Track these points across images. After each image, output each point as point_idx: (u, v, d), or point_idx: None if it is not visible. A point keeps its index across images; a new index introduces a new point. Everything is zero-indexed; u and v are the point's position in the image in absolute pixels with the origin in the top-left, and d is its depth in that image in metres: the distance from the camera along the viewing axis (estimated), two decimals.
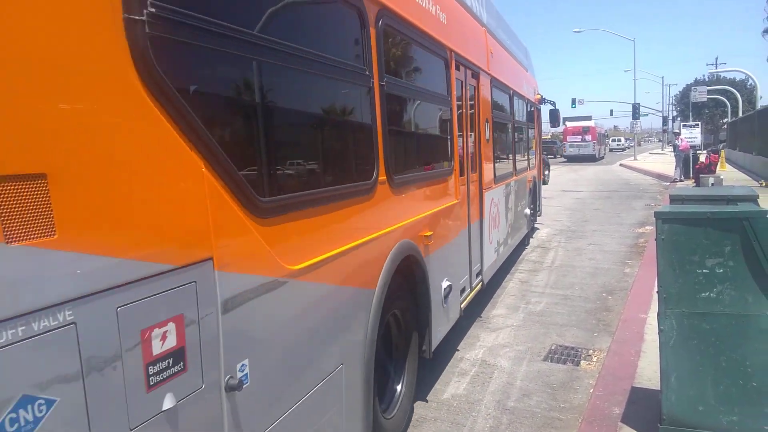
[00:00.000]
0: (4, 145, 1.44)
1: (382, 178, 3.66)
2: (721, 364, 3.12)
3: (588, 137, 49.66)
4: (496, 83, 7.48)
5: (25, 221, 1.47)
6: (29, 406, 1.47)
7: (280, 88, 2.72)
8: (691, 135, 25.58)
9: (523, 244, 10.59)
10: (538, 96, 12.01)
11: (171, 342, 1.91)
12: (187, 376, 1.97)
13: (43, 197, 1.51)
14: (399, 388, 4.12)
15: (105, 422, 1.67)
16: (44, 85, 1.53)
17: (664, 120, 64.40)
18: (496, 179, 7.33)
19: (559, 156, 53.68)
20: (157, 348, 1.85)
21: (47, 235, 1.51)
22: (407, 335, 4.21)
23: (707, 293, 3.17)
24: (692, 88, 49.27)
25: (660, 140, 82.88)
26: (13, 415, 1.44)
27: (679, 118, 63.59)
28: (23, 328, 1.46)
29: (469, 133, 6.09)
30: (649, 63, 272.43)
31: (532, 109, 11.18)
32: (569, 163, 45.15)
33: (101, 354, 1.66)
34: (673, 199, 3.90)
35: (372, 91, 3.55)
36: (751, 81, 47.34)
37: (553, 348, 5.69)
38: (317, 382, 2.82)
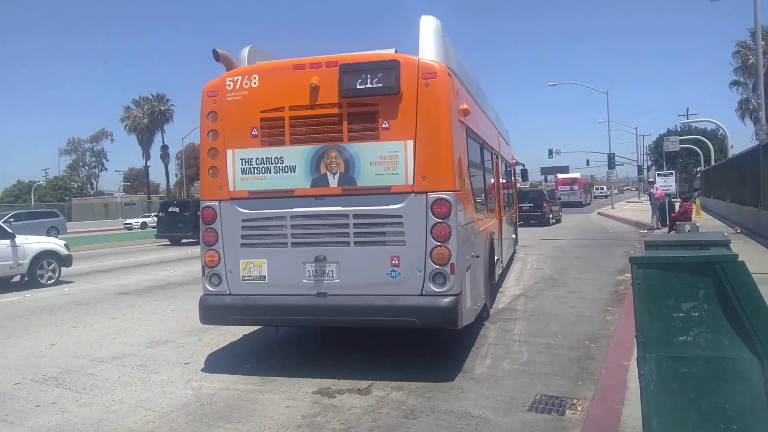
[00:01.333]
0: (458, 183, 6.45)
1: (495, 211, 10.31)
2: (702, 407, 3.14)
3: (575, 187, 60.55)
4: (502, 158, 12.88)
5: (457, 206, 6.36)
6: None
7: (482, 180, 8.99)
8: (666, 183, 26.20)
9: (512, 259, 15.37)
10: (514, 160, 17.71)
11: (472, 238, 7.32)
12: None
13: (456, 199, 6.31)
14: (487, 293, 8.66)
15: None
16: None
17: (639, 169, 66.31)
18: (503, 212, 12.21)
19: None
20: (471, 239, 7.21)
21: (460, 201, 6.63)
22: (486, 276, 8.42)
23: (684, 337, 3.21)
24: (665, 137, 50.76)
25: (636, 189, 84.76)
26: (463, 246, 6.61)
27: (653, 167, 65.28)
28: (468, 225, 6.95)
29: (495, 185, 11.20)
30: (622, 114, 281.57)
31: (512, 169, 16.85)
32: None
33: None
34: (648, 245, 3.98)
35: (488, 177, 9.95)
36: (721, 131, 48.84)
37: (537, 398, 5.65)
38: (485, 267, 8.15)
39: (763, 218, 17.29)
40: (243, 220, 6.70)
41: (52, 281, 15.02)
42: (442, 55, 6.52)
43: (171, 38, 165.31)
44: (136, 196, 79.20)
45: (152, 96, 71.91)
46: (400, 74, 6.25)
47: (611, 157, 49.80)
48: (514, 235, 15.74)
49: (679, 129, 63.42)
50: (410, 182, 6.26)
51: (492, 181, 10.67)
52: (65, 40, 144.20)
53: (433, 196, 6.20)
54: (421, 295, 6.17)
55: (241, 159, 6.70)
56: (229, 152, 6.74)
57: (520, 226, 29.35)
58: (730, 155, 32.44)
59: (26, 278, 14.82)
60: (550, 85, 52.95)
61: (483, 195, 8.93)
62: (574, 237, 23.50)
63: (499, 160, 12.26)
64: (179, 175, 79.46)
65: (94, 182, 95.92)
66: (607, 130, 55.05)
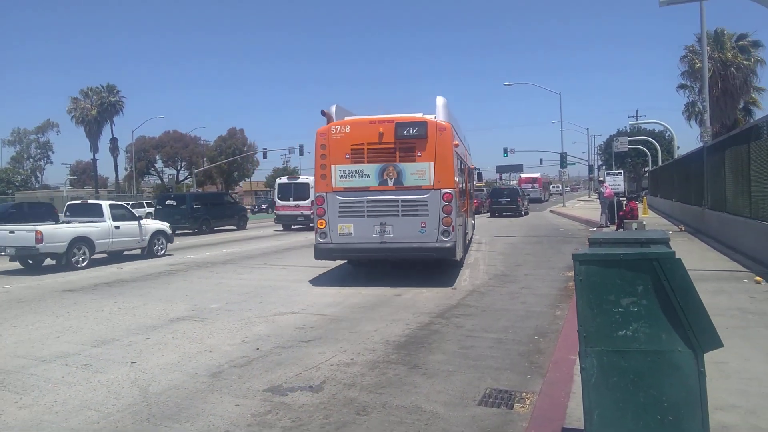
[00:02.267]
0: (454, 185, 12.05)
1: (465, 202, 16.17)
2: (640, 400, 3.24)
3: (536, 185, 66.92)
4: (468, 168, 17.77)
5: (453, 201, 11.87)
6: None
7: (461, 182, 15.00)
8: (615, 182, 26.95)
9: (472, 237, 20.31)
10: (473, 165, 22.23)
11: (459, 214, 13.29)
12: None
13: (454, 192, 11.96)
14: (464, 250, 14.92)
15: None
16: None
17: (590, 168, 68.29)
18: (470, 202, 17.42)
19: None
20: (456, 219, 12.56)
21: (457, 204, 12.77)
22: (463, 238, 14.28)
23: (624, 331, 3.31)
24: (615, 138, 52.14)
25: (587, 188, 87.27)
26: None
27: (603, 167, 67.33)
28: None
29: (466, 186, 16.05)
30: (575, 115, 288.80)
31: (473, 172, 21.83)
32: None
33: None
34: (592, 242, 4.08)
35: (466, 182, 17.11)
36: (668, 132, 50.48)
37: (487, 392, 5.74)
38: (463, 232, 14.36)
39: (706, 217, 17.97)
40: (340, 203, 11.92)
41: (162, 253, 19.42)
42: (447, 117, 12.12)
43: (125, 29, 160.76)
44: (83, 190, 76.63)
45: (102, 87, 69.68)
46: (427, 128, 11.61)
47: (563, 157, 50.97)
48: (473, 221, 22.08)
49: (628, 130, 65.27)
50: (432, 183, 11.59)
51: (465, 182, 16.27)
52: (8, 24, 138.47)
53: (443, 191, 11.55)
54: (436, 242, 11.53)
55: (339, 170, 11.95)
56: (333, 166, 11.98)
57: (500, 216, 37.50)
58: (676, 156, 33.52)
59: (146, 251, 19.03)
60: (506, 85, 53.73)
61: (462, 191, 14.82)
62: (527, 234, 23.94)
63: (467, 168, 17.71)
64: (129, 169, 77.37)
65: (39, 175, 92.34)
66: (560, 131, 56.20)
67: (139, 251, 19.06)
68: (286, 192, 30.41)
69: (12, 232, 15.87)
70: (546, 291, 10.92)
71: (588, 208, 41.29)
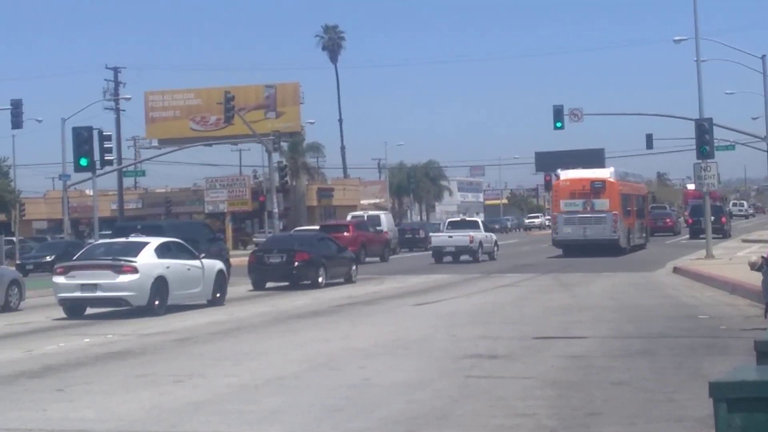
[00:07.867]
0: (619, 210, 33.92)
1: (631, 218, 36.49)
2: None
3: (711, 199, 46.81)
4: (632, 195, 37.57)
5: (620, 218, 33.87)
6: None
7: (626, 206, 35.30)
8: None
9: (642, 246, 36.52)
10: (646, 192, 44.43)
11: (623, 223, 34.76)
12: None
13: (618, 213, 33.46)
14: (626, 244, 36.16)
15: None
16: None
17: None
18: (635, 218, 36.73)
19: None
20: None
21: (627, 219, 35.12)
22: (626, 237, 36.63)
23: None
24: None
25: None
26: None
27: None
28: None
29: (631, 208, 36.55)
30: (723, 27, 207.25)
31: (643, 197, 40.33)
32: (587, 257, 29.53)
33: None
34: (764, 354, 2.57)
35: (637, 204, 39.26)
36: None
37: None
38: (626, 233, 37.12)
39: None
40: (564, 218, 33.01)
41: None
42: (616, 176, 34.51)
43: None
44: None
45: None
46: (606, 184, 32.94)
47: (703, 129, 24.82)
48: (644, 234, 36.61)
49: None
50: (608, 209, 32.18)
51: (629, 206, 33.83)
52: None
53: (613, 212, 31.98)
54: (611, 236, 32.05)
55: (563, 203, 33.47)
56: (560, 200, 33.76)
57: (698, 238, 36.92)
58: None
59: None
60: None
61: (627, 212, 33.56)
62: (614, 329, 11.12)
63: (632, 195, 34.86)
64: None
65: None
66: (695, 60, 26.89)
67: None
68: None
69: (450, 236, 30.64)
70: None
71: None
